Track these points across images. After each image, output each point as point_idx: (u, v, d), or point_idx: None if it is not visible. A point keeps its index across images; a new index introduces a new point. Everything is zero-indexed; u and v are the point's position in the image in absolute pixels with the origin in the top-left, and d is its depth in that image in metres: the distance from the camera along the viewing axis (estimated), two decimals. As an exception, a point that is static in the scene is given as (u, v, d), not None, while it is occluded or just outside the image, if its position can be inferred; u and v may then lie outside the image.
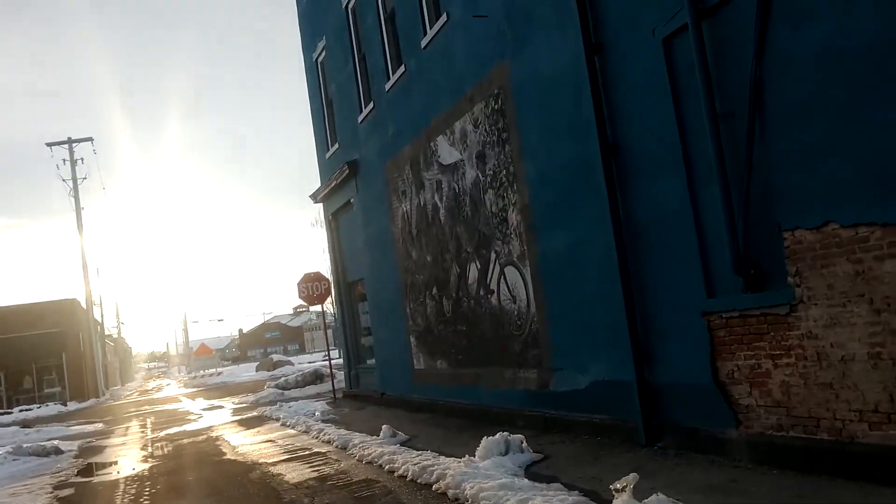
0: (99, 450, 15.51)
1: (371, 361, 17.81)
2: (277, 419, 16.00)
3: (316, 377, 22.74)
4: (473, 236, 10.83)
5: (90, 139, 43.98)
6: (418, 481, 7.52)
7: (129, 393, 51.57)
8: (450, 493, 6.71)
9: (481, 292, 10.76)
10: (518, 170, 9.42)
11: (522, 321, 9.69)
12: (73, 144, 43.53)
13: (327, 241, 19.13)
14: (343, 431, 11.65)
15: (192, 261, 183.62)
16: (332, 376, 18.80)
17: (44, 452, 14.88)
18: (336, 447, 10.67)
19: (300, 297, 18.56)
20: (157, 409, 27.21)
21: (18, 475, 13.20)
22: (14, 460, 14.41)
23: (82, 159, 43.83)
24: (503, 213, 9.91)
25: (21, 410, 35.30)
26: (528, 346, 9.61)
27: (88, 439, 17.89)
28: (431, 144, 11.94)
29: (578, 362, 8.50)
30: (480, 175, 10.42)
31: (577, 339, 8.50)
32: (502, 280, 10.13)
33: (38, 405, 37.31)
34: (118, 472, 11.84)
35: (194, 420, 19.22)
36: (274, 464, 10.20)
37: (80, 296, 45.28)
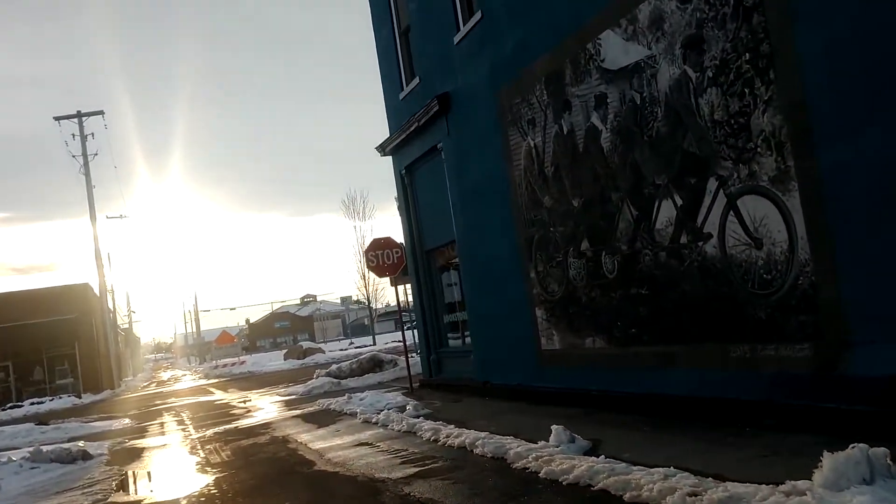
0: (136, 454, 12.52)
1: (455, 343, 14.79)
2: (353, 414, 13.01)
3: (374, 364, 19.73)
4: (671, 161, 7.76)
5: (101, 112, 40.92)
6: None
7: (144, 384, 48.78)
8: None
9: (684, 239, 7.70)
10: (783, 47, 6.33)
11: (776, 274, 6.62)
12: (83, 118, 40.46)
13: (399, 203, 16.04)
14: (473, 433, 8.62)
15: (200, 249, 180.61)
16: (409, 364, 15.72)
17: (69, 458, 11.89)
18: (489, 456, 7.62)
19: (368, 266, 15.53)
20: (186, 401, 24.23)
21: (39, 489, 10.24)
22: (32, 468, 11.43)
23: (93, 134, 40.78)
24: (739, 120, 6.83)
25: (32, 403, 32.42)
26: (787, 311, 6.55)
27: (118, 439, 14.91)
28: (588, 47, 8.85)
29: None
30: (691, 71, 7.33)
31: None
32: (731, 217, 7.06)
33: (51, 398, 34.39)
34: (173, 489, 8.85)
35: (241, 415, 16.22)
36: (405, 481, 7.18)
37: (91, 282, 42.38)
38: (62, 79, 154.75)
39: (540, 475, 6.43)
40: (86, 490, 9.65)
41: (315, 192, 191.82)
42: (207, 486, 8.67)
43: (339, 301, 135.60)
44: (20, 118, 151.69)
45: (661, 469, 5.62)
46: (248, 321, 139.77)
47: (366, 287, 47.69)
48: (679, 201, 7.71)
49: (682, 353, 7.94)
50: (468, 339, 14.09)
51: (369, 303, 49.64)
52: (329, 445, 10.19)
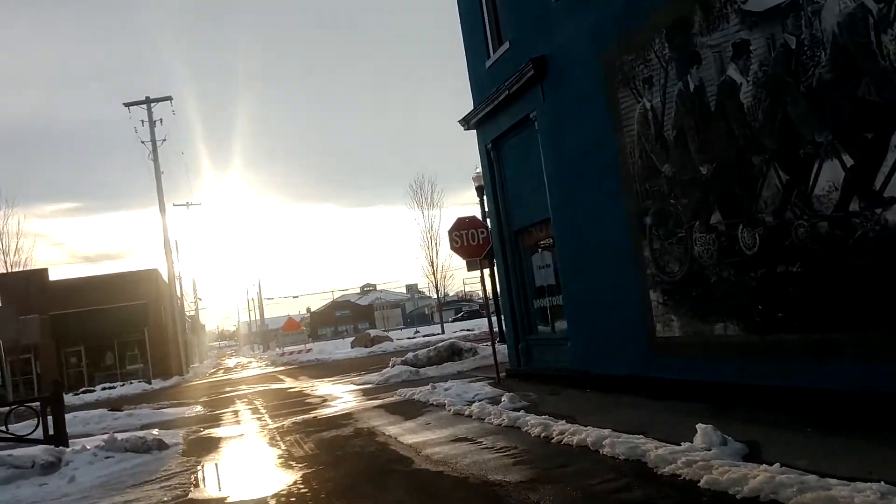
0: (212, 444, 11.83)
1: (545, 329, 13.73)
2: (440, 405, 12.09)
3: (453, 353, 18.78)
4: (839, 114, 6.54)
5: (169, 98, 40.96)
6: None
7: (211, 371, 49.03)
8: None
9: (855, 206, 6.49)
10: None
11: None
12: (152, 104, 40.53)
13: (484, 180, 15.02)
14: (595, 430, 7.55)
15: (262, 237, 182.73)
16: (495, 352, 14.71)
17: (143, 447, 11.26)
18: (622, 458, 6.57)
19: (452, 248, 14.53)
20: (256, 389, 23.71)
21: (114, 481, 9.57)
22: (107, 458, 10.80)
23: (161, 120, 40.84)
24: (941, 57, 5.59)
25: (104, 388, 32.61)
26: None
27: (192, 428, 14.30)
28: (725, -12, 7.67)
29: None
30: (872, 1, 6.11)
31: None
32: (926, 177, 5.83)
33: (121, 383, 34.60)
34: (258, 486, 8.03)
35: (318, 404, 15.46)
36: (527, 486, 6.20)
37: (160, 269, 42.56)
38: (127, 71, 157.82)
39: (699, 484, 5.35)
40: (164, 484, 8.93)
41: (371, 184, 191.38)
42: (295, 483, 7.83)
43: (400, 290, 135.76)
44: (87, 112, 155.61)
45: (870, 485, 4.50)
46: (308, 310, 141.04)
47: (434, 274, 46.97)
48: (849, 161, 6.50)
49: (847, 341, 6.73)
50: (559, 326, 13.02)
51: (438, 290, 48.85)
52: (423, 440, 9.26)
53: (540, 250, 13.57)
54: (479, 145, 15.02)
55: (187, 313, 70.43)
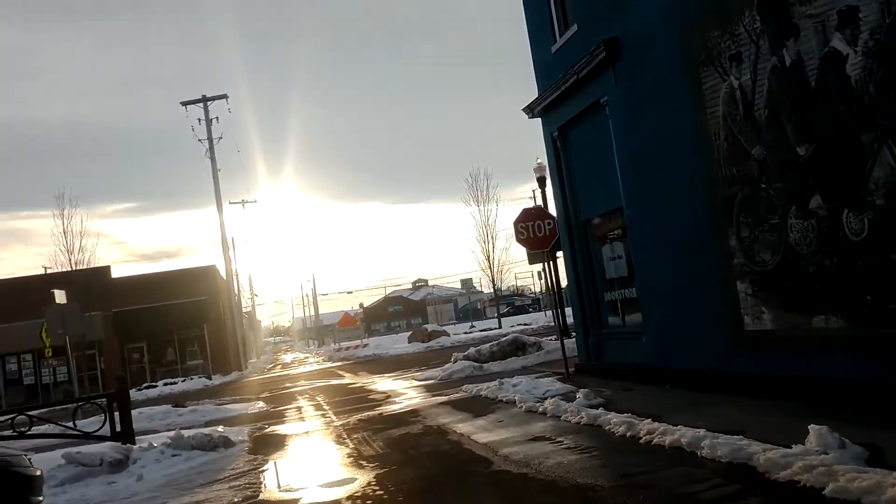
0: (278, 441, 11.62)
1: (616, 323, 13.19)
2: (510, 402, 11.66)
3: (517, 347, 18.32)
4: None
5: (225, 96, 41.22)
6: None
7: (269, 366, 49.47)
8: None
9: None
10: None
11: None
12: (208, 102, 40.87)
13: (549, 169, 14.52)
14: (690, 431, 7.02)
15: (314, 234, 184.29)
16: (564, 347, 14.22)
17: (210, 445, 11.10)
18: (724, 461, 6.04)
19: (518, 239, 14.06)
20: (316, 384, 23.61)
21: (182, 480, 9.41)
22: (174, 455, 10.67)
23: (217, 118, 41.16)
24: None
25: (165, 384, 33.04)
26: None
27: (257, 424, 14.14)
28: (829, -49, 7.05)
29: None
30: None
31: None
32: None
33: (182, 378, 35.01)
34: (330, 486, 7.73)
35: (382, 401, 15.17)
36: (624, 490, 5.74)
37: (218, 265, 42.99)
38: (182, 74, 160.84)
39: (825, 493, 4.82)
40: (232, 483, 8.72)
41: (418, 180, 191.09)
42: (369, 484, 7.51)
43: (451, 285, 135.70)
44: (147, 115, 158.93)
45: None
46: (361, 305, 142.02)
47: (490, 268, 46.55)
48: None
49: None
50: (633, 320, 12.47)
51: (494, 285, 48.40)
52: (498, 439, 8.85)
53: (610, 241, 13.03)
54: (544, 133, 14.52)
55: (244, 309, 71.31)
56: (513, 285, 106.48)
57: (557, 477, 6.55)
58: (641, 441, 7.43)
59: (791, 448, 5.79)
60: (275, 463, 9.82)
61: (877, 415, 6.77)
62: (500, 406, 11.68)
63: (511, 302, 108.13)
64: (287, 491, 7.96)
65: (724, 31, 8.76)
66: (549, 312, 53.93)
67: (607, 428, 8.32)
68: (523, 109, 14.61)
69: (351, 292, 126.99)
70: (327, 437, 11.27)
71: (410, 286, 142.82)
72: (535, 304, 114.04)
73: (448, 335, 38.52)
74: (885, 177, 6.79)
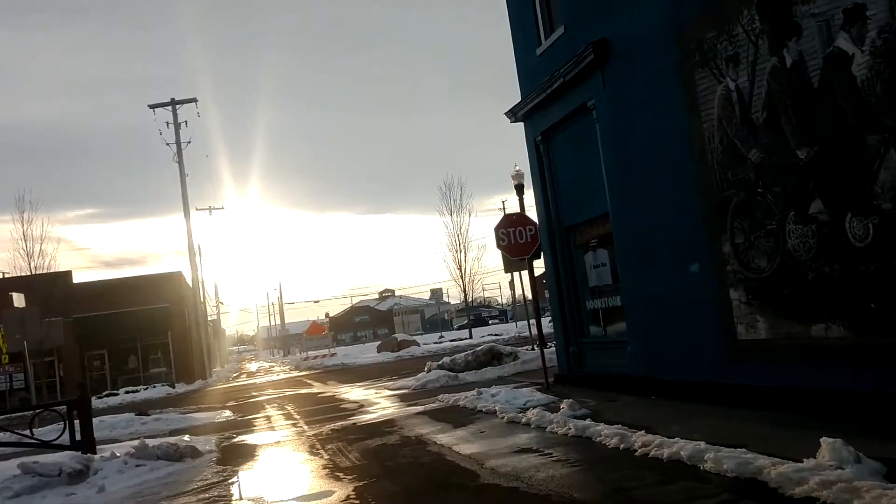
0: (248, 452, 11.09)
1: (598, 332, 12.89)
2: (490, 412, 11.30)
3: (492, 357, 17.94)
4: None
5: (194, 100, 40.49)
6: None
7: (234, 375, 48.52)
8: None
9: None
10: None
11: None
12: (177, 106, 40.08)
13: (532, 175, 14.20)
14: (690, 444, 6.68)
15: (279, 243, 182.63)
16: (544, 356, 13.86)
17: (176, 455, 10.54)
18: (730, 476, 5.71)
19: (499, 246, 13.73)
20: (285, 393, 22.99)
21: (147, 492, 8.86)
22: (138, 466, 10.10)
23: (186, 122, 40.37)
24: None
25: (128, 392, 32.12)
26: None
27: (225, 434, 13.56)
28: (835, -53, 6.83)
29: None
30: None
31: None
32: None
33: (145, 386, 34.08)
34: (307, 501, 7.27)
35: (355, 410, 14.68)
36: (628, 508, 5.37)
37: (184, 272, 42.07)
38: (147, 78, 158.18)
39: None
40: (201, 496, 8.21)
41: (385, 191, 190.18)
42: (348, 497, 7.07)
43: (418, 295, 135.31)
44: (108, 119, 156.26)
45: None
46: (327, 315, 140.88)
47: (462, 278, 46.13)
48: None
49: None
50: (616, 329, 12.19)
51: (466, 294, 47.98)
52: (482, 451, 8.46)
53: (594, 248, 12.75)
54: (526, 138, 14.21)
55: (209, 317, 70.04)
56: (480, 296, 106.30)
57: (551, 491, 6.17)
58: (637, 454, 7.08)
59: (802, 462, 5.48)
60: (245, 474, 9.31)
61: (882, 426, 6.51)
62: (480, 416, 11.29)
63: (478, 313, 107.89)
64: (261, 505, 7.48)
65: (720, 31, 8.53)
66: (520, 323, 53.74)
67: (598, 440, 7.98)
68: (506, 113, 14.31)
69: (318, 301, 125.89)
70: (299, 448, 10.77)
71: (377, 296, 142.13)
72: (502, 315, 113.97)
73: (418, 345, 38.06)
74: (891, 180, 6.55)
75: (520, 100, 13.99)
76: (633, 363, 11.23)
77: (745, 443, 6.50)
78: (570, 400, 10.42)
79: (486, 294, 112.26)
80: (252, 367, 66.57)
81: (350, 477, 8.05)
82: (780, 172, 7.90)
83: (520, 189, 21.36)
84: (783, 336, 8.11)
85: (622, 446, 7.45)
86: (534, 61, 13.55)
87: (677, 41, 9.33)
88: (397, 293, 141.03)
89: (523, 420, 10.09)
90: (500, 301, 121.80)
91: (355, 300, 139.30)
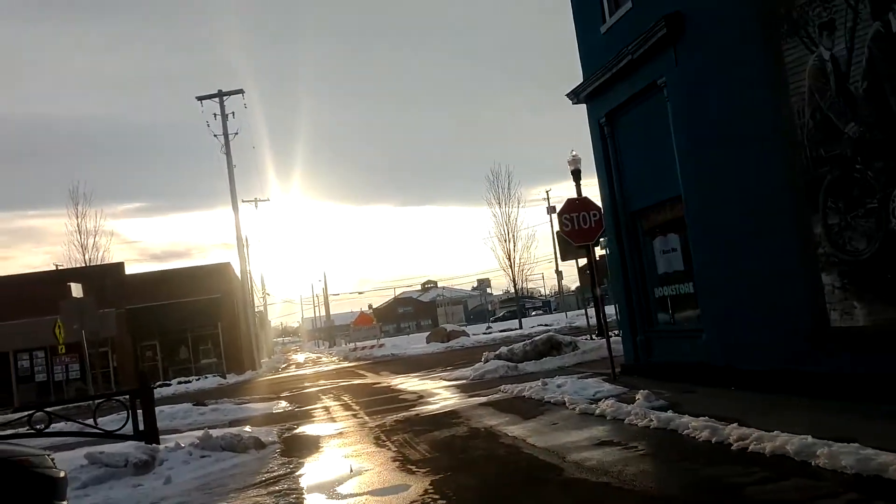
0: (311, 443, 10.88)
1: (668, 320, 12.39)
2: (559, 403, 10.93)
3: (551, 346, 17.53)
4: None
5: (241, 91, 40.51)
6: None
7: (283, 366, 48.79)
8: None
9: None
10: None
11: None
12: (224, 97, 40.21)
13: (595, 158, 13.73)
14: (797, 438, 6.21)
15: (325, 235, 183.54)
16: (610, 346, 13.43)
17: (241, 446, 10.38)
18: (850, 472, 5.25)
19: (562, 231, 13.31)
20: (338, 384, 22.86)
21: (213, 483, 8.69)
22: (203, 457, 9.96)
23: (233, 114, 40.47)
24: None
25: (180, 382, 32.39)
26: None
27: (285, 425, 13.39)
28: None
29: None
30: None
31: None
32: None
33: (196, 377, 34.34)
34: (381, 494, 6.97)
35: (415, 401, 14.40)
36: (741, 507, 4.96)
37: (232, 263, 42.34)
38: (192, 72, 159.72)
39: None
40: (271, 489, 7.99)
41: (424, 183, 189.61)
42: (426, 492, 6.76)
43: (464, 285, 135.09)
44: (154, 112, 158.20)
45: None
46: (370, 307, 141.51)
47: (511, 268, 45.67)
48: None
49: None
50: (689, 316, 11.69)
51: (515, 284, 47.52)
52: (560, 443, 8.09)
53: (662, 233, 12.25)
54: (589, 120, 13.72)
55: (255, 308, 70.64)
56: (521, 287, 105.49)
57: (648, 487, 5.78)
58: (732, 448, 6.64)
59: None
60: (312, 466, 9.08)
61: None
62: (549, 408, 10.91)
63: (521, 304, 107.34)
64: (335, 498, 7.21)
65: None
66: (570, 313, 53.05)
67: (685, 433, 7.55)
68: (567, 95, 13.83)
69: (361, 293, 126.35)
70: (364, 440, 10.52)
71: (420, 288, 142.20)
72: (545, 305, 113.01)
73: (468, 335, 37.72)
74: None
75: (581, 80, 13.50)
76: (711, 352, 10.72)
77: (854, 437, 6.03)
78: (645, 391, 9.97)
79: (530, 285, 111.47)
80: (299, 358, 67.02)
81: (423, 470, 7.76)
82: (882, 147, 7.34)
83: (576, 175, 20.87)
84: (885, 322, 7.57)
85: (714, 440, 7.02)
86: (597, 40, 13.05)
87: (761, 10, 8.79)
88: (440, 284, 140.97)
89: (597, 411, 9.69)
90: (542, 292, 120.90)
91: (398, 291, 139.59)
